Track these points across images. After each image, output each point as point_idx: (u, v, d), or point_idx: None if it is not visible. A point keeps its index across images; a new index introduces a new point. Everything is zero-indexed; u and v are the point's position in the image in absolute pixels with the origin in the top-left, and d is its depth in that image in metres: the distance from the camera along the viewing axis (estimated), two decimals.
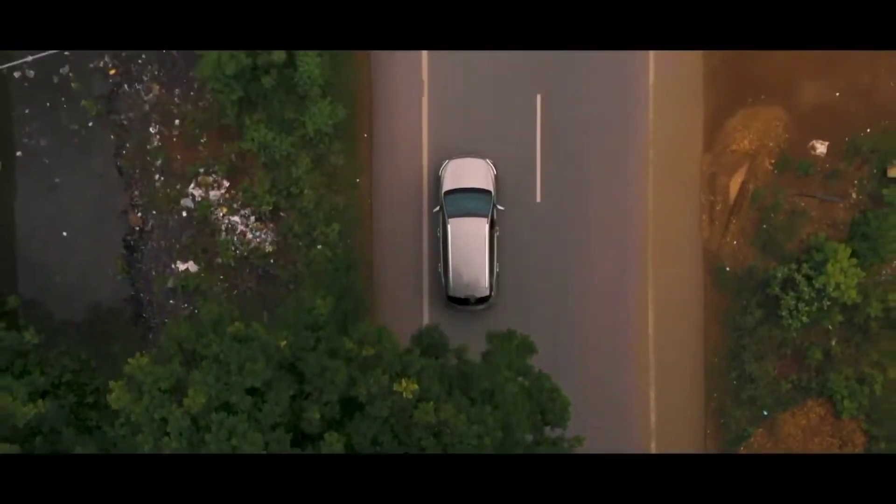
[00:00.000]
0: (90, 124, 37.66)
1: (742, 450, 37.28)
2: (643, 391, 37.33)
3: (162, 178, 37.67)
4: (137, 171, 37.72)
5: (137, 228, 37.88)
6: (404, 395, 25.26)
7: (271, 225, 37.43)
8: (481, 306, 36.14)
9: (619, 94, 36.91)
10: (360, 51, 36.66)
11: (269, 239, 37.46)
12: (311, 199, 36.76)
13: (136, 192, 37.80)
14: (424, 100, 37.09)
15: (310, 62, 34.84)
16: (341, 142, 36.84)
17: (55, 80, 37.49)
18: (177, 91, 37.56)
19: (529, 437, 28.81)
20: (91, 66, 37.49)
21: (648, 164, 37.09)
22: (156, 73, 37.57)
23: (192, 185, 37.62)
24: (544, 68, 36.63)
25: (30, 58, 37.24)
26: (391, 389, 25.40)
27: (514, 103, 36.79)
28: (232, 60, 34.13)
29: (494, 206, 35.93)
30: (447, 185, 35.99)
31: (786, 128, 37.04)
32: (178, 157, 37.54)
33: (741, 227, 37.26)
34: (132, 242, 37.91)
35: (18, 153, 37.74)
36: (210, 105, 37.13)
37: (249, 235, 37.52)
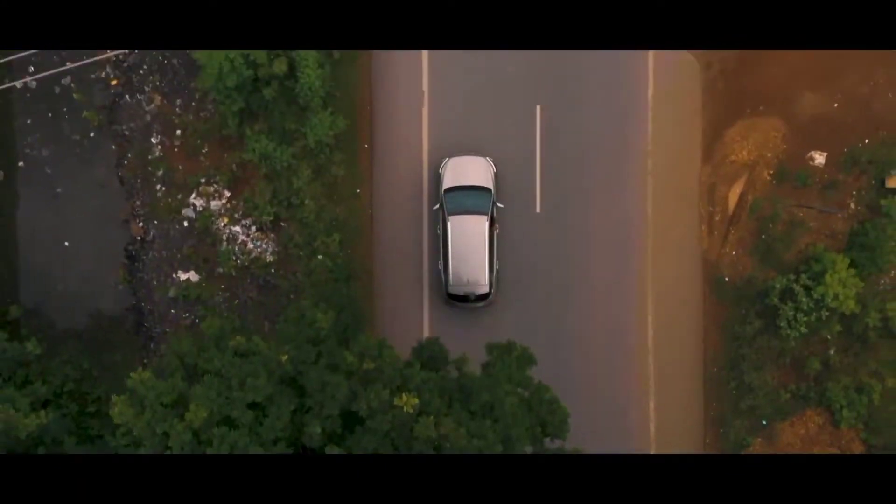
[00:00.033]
0: (92, 135, 37.82)
1: None
2: (642, 400, 37.48)
3: (163, 189, 37.83)
4: (139, 181, 37.88)
5: (139, 238, 38.04)
6: (405, 409, 25.42)
7: (272, 235, 37.59)
8: (481, 303, 36.32)
9: (619, 105, 37.07)
10: (361, 52, 36.80)
11: (270, 249, 37.63)
12: (312, 210, 36.94)
13: (138, 202, 37.96)
14: (425, 110, 37.25)
15: (311, 73, 35.01)
16: (342, 152, 37.01)
17: (57, 90, 37.64)
18: (178, 101, 37.72)
19: (529, 450, 28.96)
20: (93, 76, 37.65)
21: (648, 175, 37.24)
22: (157, 83, 37.74)
23: (193, 196, 37.78)
24: (544, 80, 36.81)
25: (31, 68, 37.48)
26: (392, 404, 25.57)
27: (514, 115, 36.95)
28: (233, 72, 34.30)
29: (494, 203, 36.10)
30: (447, 182, 36.16)
31: (784, 139, 37.21)
32: (180, 167, 37.71)
33: (740, 237, 37.42)
34: (134, 252, 38.07)
35: (20, 163, 37.89)
36: (211, 116, 37.31)
37: (250, 245, 37.68)
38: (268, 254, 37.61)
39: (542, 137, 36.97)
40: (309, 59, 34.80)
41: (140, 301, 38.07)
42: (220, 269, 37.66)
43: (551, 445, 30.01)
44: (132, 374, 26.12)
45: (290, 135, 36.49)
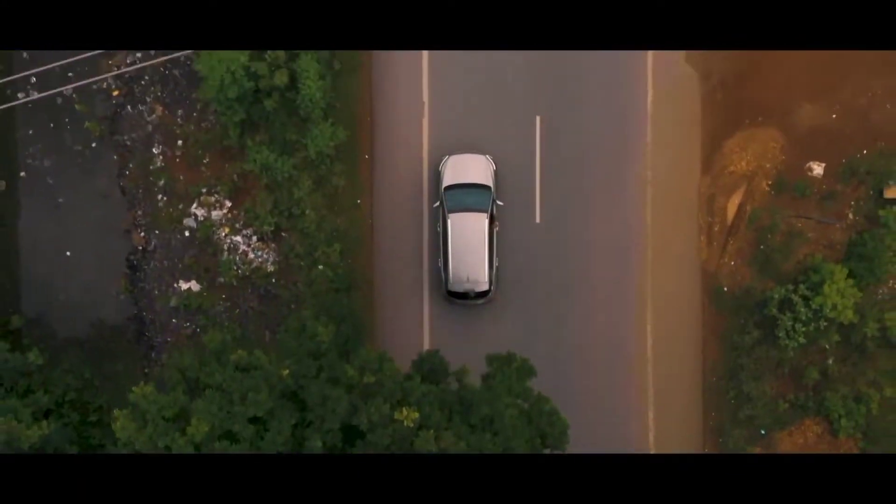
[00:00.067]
0: (94, 145, 37.96)
1: None
2: (642, 410, 37.62)
3: (165, 198, 37.99)
4: (140, 191, 38.03)
5: (140, 248, 38.19)
6: (405, 423, 25.57)
7: (273, 245, 37.75)
8: (481, 300, 36.48)
9: (618, 116, 37.23)
10: (361, 63, 36.99)
11: (271, 259, 37.79)
12: (313, 220, 37.11)
13: (140, 212, 38.11)
14: (425, 121, 37.41)
15: (311, 85, 35.17)
16: (342, 163, 37.17)
17: (59, 101, 37.78)
18: (180, 112, 37.88)
19: None
20: (94, 87, 37.79)
21: (647, 186, 37.40)
22: (158, 94, 37.90)
23: (194, 205, 37.94)
24: (543, 90, 36.98)
25: (33, 79, 37.64)
26: (392, 418, 25.72)
27: (515, 124, 37.11)
28: (234, 84, 34.47)
29: (494, 201, 36.25)
30: (447, 180, 36.32)
31: (783, 149, 37.36)
32: (181, 177, 37.86)
33: (739, 247, 37.57)
34: (135, 262, 38.22)
35: (22, 173, 38.03)
36: (213, 126, 37.48)
37: (251, 255, 37.84)
38: (269, 264, 37.77)
39: (541, 147, 37.13)
40: (310, 71, 34.97)
41: (141, 311, 38.21)
42: (221, 279, 37.82)
43: None
44: (134, 389, 26.28)
45: (291, 146, 36.66)
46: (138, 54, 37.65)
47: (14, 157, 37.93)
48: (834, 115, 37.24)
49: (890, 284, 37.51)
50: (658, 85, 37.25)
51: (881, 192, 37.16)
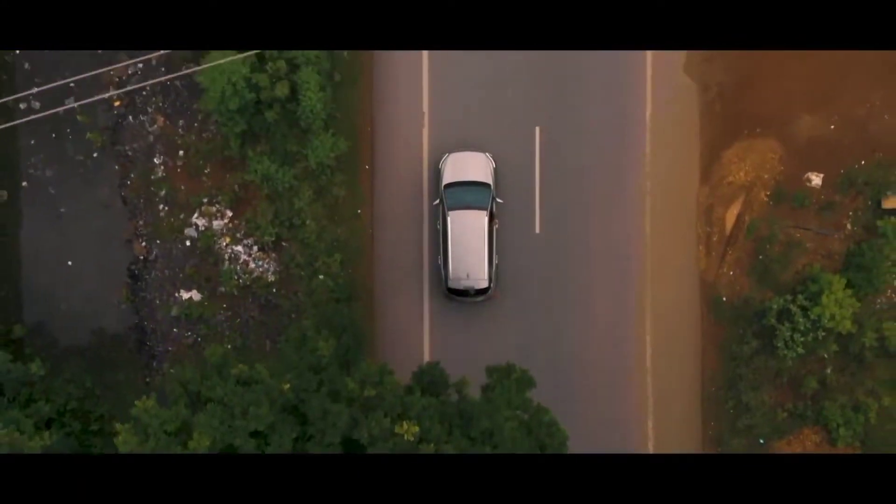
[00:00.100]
0: (95, 155, 38.12)
1: None
2: (641, 419, 37.78)
3: (166, 208, 38.15)
4: (142, 201, 38.19)
5: (142, 257, 38.35)
6: (406, 437, 25.72)
7: (274, 255, 37.92)
8: (480, 297, 36.64)
9: (617, 126, 37.39)
10: (362, 74, 37.12)
11: (272, 269, 37.95)
12: (313, 230, 37.27)
13: (141, 222, 38.27)
14: (425, 132, 37.58)
15: (312, 96, 35.33)
16: (343, 174, 37.34)
17: (60, 111, 37.88)
18: (181, 122, 38.05)
19: None
20: (96, 97, 37.93)
21: (646, 196, 37.56)
22: (160, 104, 38.05)
23: (195, 215, 38.11)
24: (542, 102, 37.15)
25: (35, 90, 37.82)
26: (393, 431, 25.88)
27: (515, 136, 37.28)
28: (235, 95, 34.62)
29: (493, 199, 36.41)
30: (447, 178, 36.48)
31: (781, 160, 37.51)
32: (182, 187, 38.02)
33: (737, 257, 37.73)
34: (136, 271, 38.37)
35: (24, 183, 38.19)
36: (214, 137, 37.64)
37: (252, 265, 38.00)
38: (269, 273, 37.93)
39: (540, 158, 37.30)
40: (311, 82, 35.13)
41: (143, 320, 38.37)
42: (222, 289, 37.98)
43: None
44: (136, 403, 26.44)
45: (292, 156, 36.83)
46: (140, 65, 37.83)
47: (16, 168, 38.08)
48: (832, 126, 37.40)
49: (888, 294, 37.67)
50: (657, 95, 37.41)
51: (879, 203, 37.32)
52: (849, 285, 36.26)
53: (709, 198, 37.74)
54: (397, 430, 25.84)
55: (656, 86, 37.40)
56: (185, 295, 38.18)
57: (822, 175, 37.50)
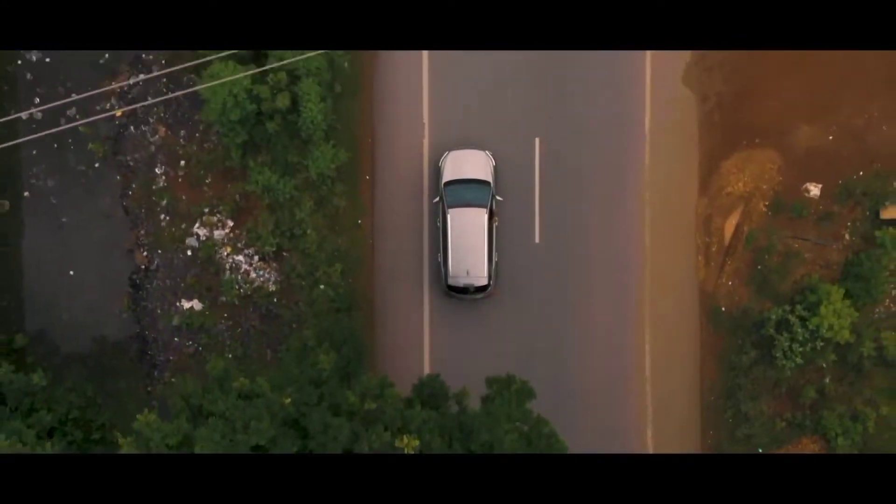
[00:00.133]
0: (97, 165, 38.27)
1: None
2: (640, 428, 37.94)
3: (167, 218, 38.30)
4: (143, 210, 38.34)
5: (143, 267, 38.49)
6: (406, 451, 25.86)
7: (274, 265, 38.07)
8: (480, 295, 36.81)
9: (616, 137, 37.54)
10: (362, 85, 37.28)
11: (273, 278, 38.10)
12: (314, 240, 37.44)
13: (142, 232, 38.42)
14: (425, 142, 37.73)
15: (313, 108, 35.47)
16: (343, 184, 37.50)
17: (62, 122, 38.07)
18: (182, 133, 38.20)
19: None
20: (98, 108, 38.10)
21: (645, 206, 37.71)
22: (161, 115, 38.21)
23: (196, 225, 38.26)
24: (543, 112, 37.31)
25: (37, 99, 37.99)
26: (393, 445, 26.01)
27: (514, 147, 37.43)
28: (237, 107, 34.77)
29: (493, 196, 36.57)
30: (447, 175, 36.64)
31: (780, 171, 37.66)
32: (184, 197, 38.17)
33: (736, 268, 37.87)
34: (138, 281, 38.52)
35: (26, 193, 38.32)
36: (215, 147, 37.79)
37: (253, 275, 38.15)
38: (270, 283, 38.08)
39: (540, 170, 37.46)
40: (311, 94, 35.27)
41: (144, 329, 38.51)
42: (223, 298, 38.12)
43: None
44: (138, 417, 26.59)
45: (293, 167, 36.99)
46: (141, 75, 38.01)
47: (18, 177, 38.21)
48: (831, 137, 37.55)
49: (886, 304, 37.83)
50: (656, 106, 37.55)
51: (877, 213, 37.49)
52: (847, 295, 36.43)
53: (708, 208, 37.89)
54: (397, 443, 25.99)
55: (655, 96, 37.55)
56: (186, 304, 38.33)
57: (820, 185, 37.65)
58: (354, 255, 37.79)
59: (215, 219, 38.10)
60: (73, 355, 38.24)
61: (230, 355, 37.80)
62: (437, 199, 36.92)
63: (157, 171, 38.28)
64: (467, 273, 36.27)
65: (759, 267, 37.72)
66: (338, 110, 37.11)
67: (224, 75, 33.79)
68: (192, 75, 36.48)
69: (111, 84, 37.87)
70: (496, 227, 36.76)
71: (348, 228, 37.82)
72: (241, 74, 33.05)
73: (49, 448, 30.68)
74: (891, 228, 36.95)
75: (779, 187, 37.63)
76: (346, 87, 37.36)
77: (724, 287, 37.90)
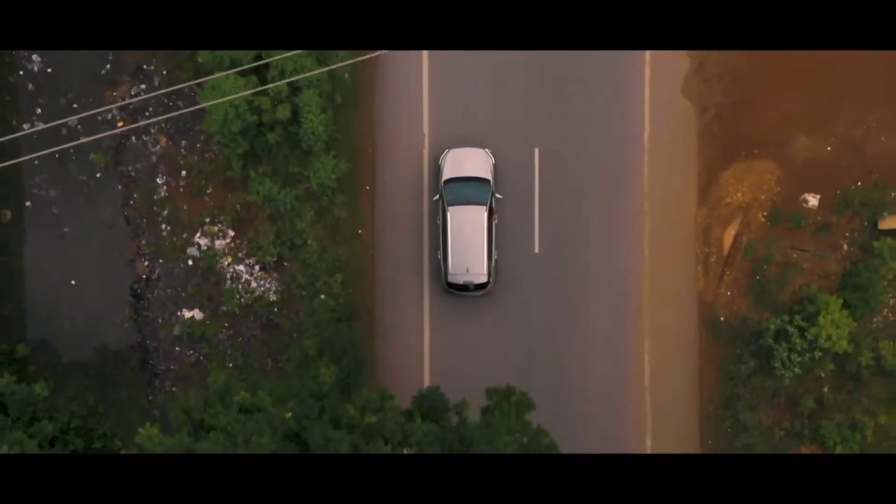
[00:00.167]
0: (98, 175, 38.42)
1: None
2: (640, 438, 38.09)
3: (168, 228, 38.46)
4: (144, 220, 38.49)
5: (144, 277, 38.64)
6: None
7: (275, 275, 38.22)
8: (479, 292, 36.95)
9: (615, 148, 37.69)
10: (363, 96, 37.42)
11: (273, 288, 38.25)
12: (315, 251, 37.59)
13: (144, 242, 38.56)
14: (426, 153, 37.88)
15: (314, 118, 35.62)
16: (344, 195, 37.66)
17: (64, 132, 38.22)
18: (183, 143, 38.35)
19: None
20: (99, 118, 38.26)
21: (644, 216, 37.86)
22: (163, 125, 38.35)
23: (197, 235, 38.41)
24: (543, 122, 37.46)
25: (38, 110, 38.15)
26: None
27: (515, 154, 37.58)
28: (238, 118, 34.92)
29: (493, 194, 36.72)
30: (447, 173, 36.77)
31: (778, 181, 37.81)
32: (185, 207, 38.32)
33: (735, 278, 38.03)
34: (139, 290, 38.66)
35: (28, 203, 38.47)
36: (216, 157, 37.94)
37: (254, 284, 38.30)
38: (271, 293, 38.23)
39: (539, 181, 37.61)
40: (312, 105, 35.42)
41: (145, 338, 38.66)
42: (224, 308, 38.28)
43: None
44: (140, 430, 26.73)
45: (294, 177, 37.14)
46: (143, 85, 38.17)
47: (20, 187, 38.36)
48: (829, 148, 37.71)
49: (884, 314, 37.99)
50: (655, 117, 37.69)
51: (875, 224, 37.64)
52: (845, 305, 36.59)
53: (707, 218, 38.04)
54: None
55: (654, 107, 37.69)
56: (187, 314, 38.48)
57: (818, 196, 37.81)
58: (355, 265, 37.95)
59: (216, 229, 38.26)
60: (75, 365, 38.40)
61: (231, 364, 37.97)
62: (437, 196, 37.08)
63: (159, 181, 38.43)
64: (467, 270, 36.44)
65: (757, 277, 37.88)
66: (338, 121, 37.28)
67: (225, 87, 33.94)
68: (194, 87, 36.63)
69: (113, 94, 38.06)
70: (496, 224, 36.91)
71: (349, 239, 37.97)
72: (242, 94, 33.16)
73: None
74: (889, 239, 37.11)
75: (777, 198, 37.78)
76: (346, 98, 37.52)
77: (722, 297, 38.05)
